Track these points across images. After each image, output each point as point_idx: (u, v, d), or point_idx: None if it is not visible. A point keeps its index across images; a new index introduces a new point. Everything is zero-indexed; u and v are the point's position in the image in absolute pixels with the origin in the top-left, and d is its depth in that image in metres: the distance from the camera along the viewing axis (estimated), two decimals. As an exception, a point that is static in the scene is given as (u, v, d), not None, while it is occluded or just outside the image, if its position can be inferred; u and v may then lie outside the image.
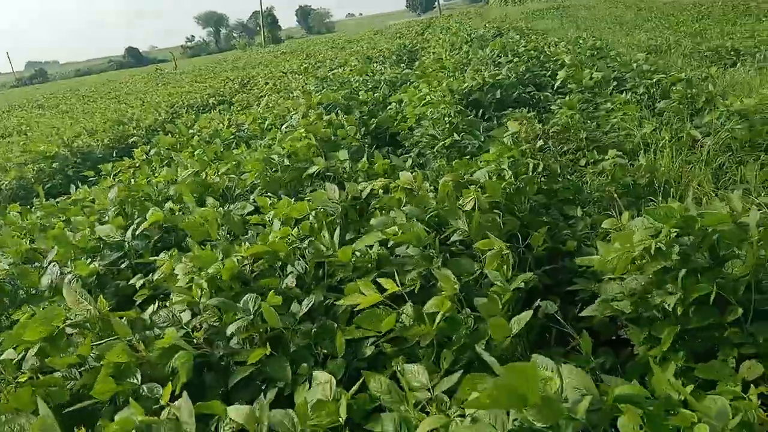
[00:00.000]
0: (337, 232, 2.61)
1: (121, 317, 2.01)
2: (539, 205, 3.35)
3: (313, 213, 2.99)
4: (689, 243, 2.02)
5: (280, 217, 2.98)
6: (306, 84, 10.69)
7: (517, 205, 3.09)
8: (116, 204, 3.75)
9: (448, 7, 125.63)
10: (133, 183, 4.56)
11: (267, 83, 13.99)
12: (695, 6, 20.40)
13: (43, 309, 2.25)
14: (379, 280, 2.01)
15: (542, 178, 3.60)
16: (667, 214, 2.03)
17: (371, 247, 2.46)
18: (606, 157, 4.18)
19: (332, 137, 5.10)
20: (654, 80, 6.06)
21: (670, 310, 1.85)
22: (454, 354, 1.82)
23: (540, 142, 4.48)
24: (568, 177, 4.23)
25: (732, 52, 9.08)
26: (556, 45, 10.86)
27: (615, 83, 6.71)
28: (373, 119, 6.49)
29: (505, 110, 6.48)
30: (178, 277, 2.39)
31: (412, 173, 3.28)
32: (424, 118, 5.94)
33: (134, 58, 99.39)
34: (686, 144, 4.67)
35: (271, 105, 8.51)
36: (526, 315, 1.82)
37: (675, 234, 1.98)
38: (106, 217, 3.68)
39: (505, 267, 2.13)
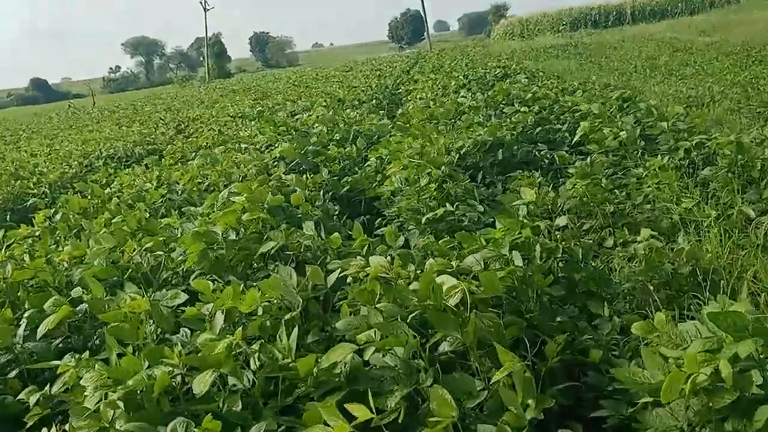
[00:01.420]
0: (295, 333, 2.61)
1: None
2: (555, 298, 3.39)
3: (266, 305, 2.99)
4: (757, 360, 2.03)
5: (223, 311, 2.97)
6: (260, 133, 10.87)
7: (524, 301, 3.13)
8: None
9: (439, 39, 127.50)
10: (28, 260, 4.52)
11: (210, 129, 14.19)
12: (744, 49, 21.40)
13: None
14: (347, 406, 1.99)
15: (560, 264, 3.66)
16: (736, 322, 2.05)
17: (340, 354, 2.45)
18: (638, 239, 4.28)
19: (284, 205, 5.14)
20: (694, 142, 6.28)
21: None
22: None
23: (563, 220, 4.57)
24: (592, 263, 4.31)
25: (792, 108, 9.48)
26: (573, 92, 11.25)
27: (643, 143, 6.93)
28: (346, 179, 6.60)
29: (511, 173, 6.65)
30: (86, 392, 2.35)
31: (387, 257, 3.30)
32: (404, 189, 6.04)
33: (41, 91, 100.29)
34: (738, 224, 4.81)
35: (212, 161, 8.60)
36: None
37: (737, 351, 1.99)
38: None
39: (523, 392, 2.14)
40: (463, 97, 12.04)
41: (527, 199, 4.84)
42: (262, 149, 9.11)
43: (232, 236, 4.30)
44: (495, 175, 6.81)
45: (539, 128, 8.17)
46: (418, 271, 3.16)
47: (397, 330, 2.45)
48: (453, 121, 9.33)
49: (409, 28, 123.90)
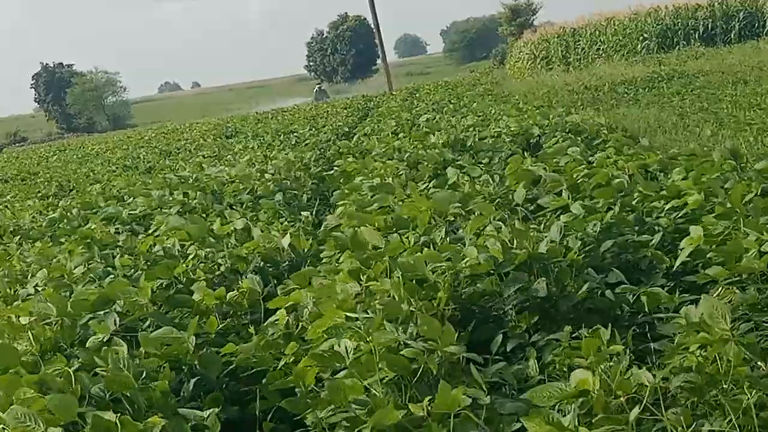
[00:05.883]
0: None
1: None
2: None
3: None
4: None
5: None
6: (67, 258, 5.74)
7: None
8: None
9: (409, 70, 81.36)
10: None
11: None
12: None
13: None
14: None
15: None
16: None
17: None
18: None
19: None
20: None
21: None
22: None
23: None
24: None
25: None
26: (668, 171, 5.85)
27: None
28: (228, 351, 3.51)
29: (556, 328, 3.51)
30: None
31: None
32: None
33: None
34: None
35: None
36: None
37: None
38: None
39: None
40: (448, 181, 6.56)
41: (574, 391, 2.57)
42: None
43: None
44: (527, 332, 3.59)
45: (613, 247, 4.36)
46: None
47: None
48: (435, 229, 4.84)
49: (349, 54, 73.78)
